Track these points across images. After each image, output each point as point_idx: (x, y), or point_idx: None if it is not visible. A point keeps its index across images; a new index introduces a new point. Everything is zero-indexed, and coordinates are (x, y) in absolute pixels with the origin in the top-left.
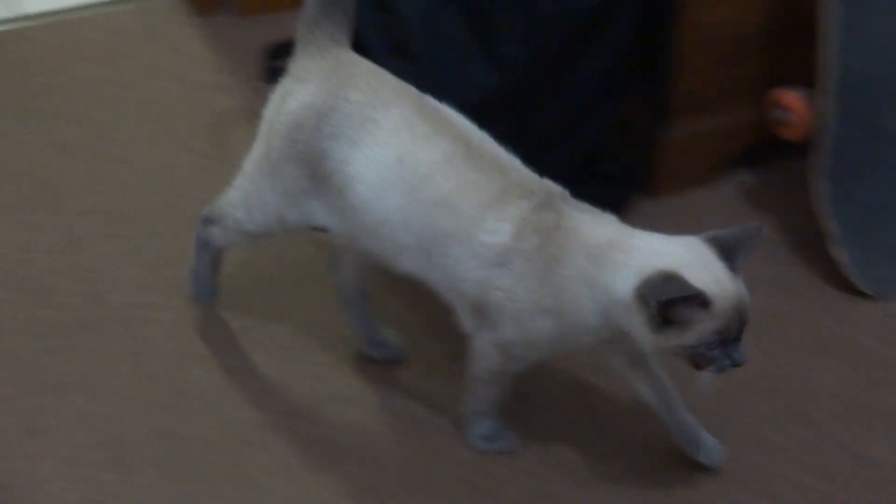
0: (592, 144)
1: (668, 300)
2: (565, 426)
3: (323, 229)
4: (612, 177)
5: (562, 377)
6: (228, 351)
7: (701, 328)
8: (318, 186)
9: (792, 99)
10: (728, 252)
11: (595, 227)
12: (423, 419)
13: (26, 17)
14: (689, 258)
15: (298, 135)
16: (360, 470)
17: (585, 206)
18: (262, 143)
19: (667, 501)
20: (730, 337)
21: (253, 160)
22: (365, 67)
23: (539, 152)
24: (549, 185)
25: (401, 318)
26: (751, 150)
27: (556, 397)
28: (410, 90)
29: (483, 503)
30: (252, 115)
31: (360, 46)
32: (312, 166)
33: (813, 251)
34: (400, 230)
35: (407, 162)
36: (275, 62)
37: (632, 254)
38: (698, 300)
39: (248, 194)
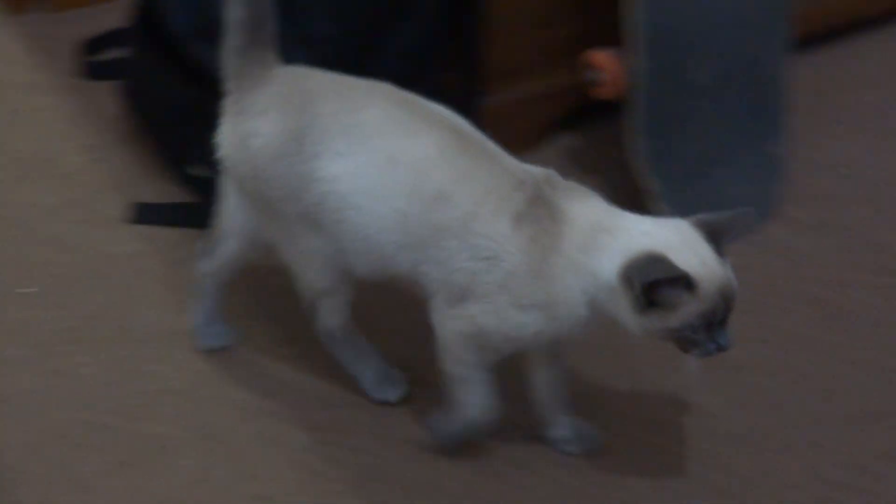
0: None
1: (653, 281)
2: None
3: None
4: None
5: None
6: (52, 352)
7: (686, 311)
8: (315, 218)
9: (603, 59)
10: (716, 236)
11: (583, 211)
12: (255, 406)
13: None
14: (676, 240)
15: (279, 168)
16: (193, 462)
17: (572, 188)
18: (255, 202)
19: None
20: (715, 321)
21: (267, 229)
22: (320, 78)
23: None
24: (535, 171)
25: (232, 306)
26: (571, 112)
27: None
28: (380, 86)
29: (318, 484)
30: (69, 114)
31: (166, 29)
32: (304, 196)
33: (637, 209)
34: (396, 231)
35: (400, 161)
36: (91, 57)
37: (618, 236)
38: (684, 282)
39: (292, 258)
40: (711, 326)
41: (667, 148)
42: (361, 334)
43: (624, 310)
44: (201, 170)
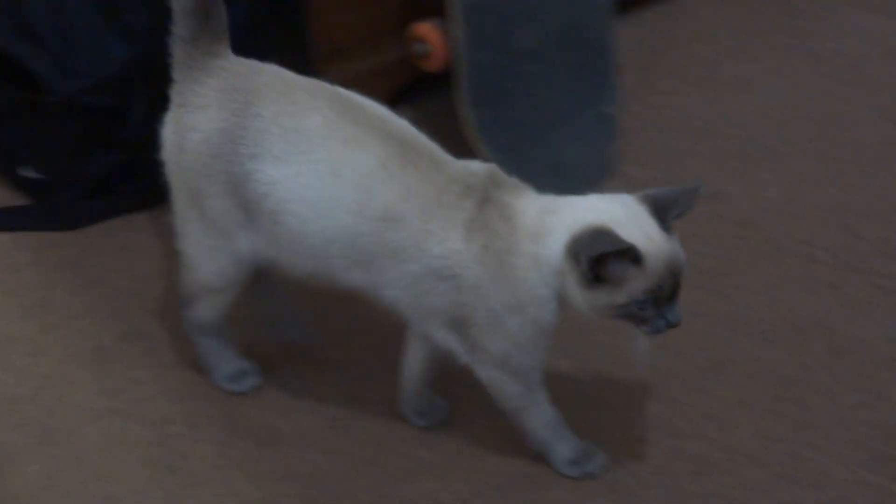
0: None
1: (599, 255)
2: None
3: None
4: None
5: None
6: None
7: (632, 286)
8: (250, 216)
9: (427, 30)
10: (662, 210)
11: (530, 203)
12: (100, 407)
13: None
14: (621, 214)
15: (216, 165)
16: (39, 468)
17: (513, 185)
18: (180, 192)
19: None
20: (663, 296)
21: (180, 215)
22: (268, 74)
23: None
24: (478, 170)
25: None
26: (404, 87)
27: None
28: (324, 87)
29: (168, 479)
30: None
31: None
32: (240, 193)
33: None
34: (348, 247)
35: (344, 174)
36: None
37: (563, 215)
38: (630, 256)
39: (195, 251)
40: (659, 302)
41: (497, 115)
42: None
43: (572, 287)
44: (32, 172)
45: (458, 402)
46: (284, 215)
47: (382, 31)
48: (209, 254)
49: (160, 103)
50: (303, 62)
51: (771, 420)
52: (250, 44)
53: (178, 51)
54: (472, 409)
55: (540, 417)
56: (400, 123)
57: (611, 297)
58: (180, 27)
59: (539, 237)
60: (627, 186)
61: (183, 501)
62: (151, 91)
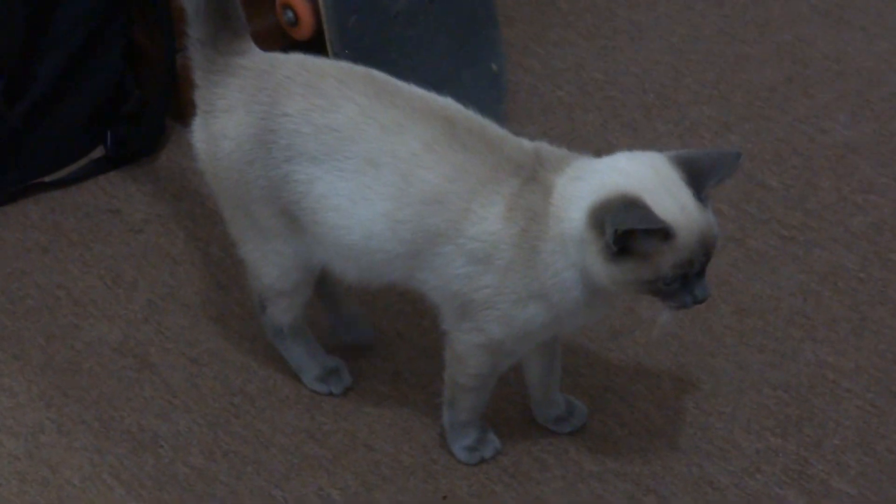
0: (107, 85)
1: (627, 230)
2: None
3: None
4: (136, 115)
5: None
6: None
7: (661, 261)
8: (293, 218)
9: None
10: (698, 176)
11: (564, 176)
12: None
13: None
14: (652, 180)
15: (252, 172)
16: None
17: (558, 158)
18: (223, 199)
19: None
20: (692, 272)
21: (230, 222)
22: (291, 65)
23: (48, 107)
24: (529, 147)
25: None
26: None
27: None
28: (354, 71)
29: None
30: None
31: None
32: (280, 196)
33: None
34: (388, 240)
35: (383, 163)
36: None
37: (588, 179)
38: (662, 233)
39: (254, 258)
40: (688, 277)
41: None
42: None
43: (592, 258)
44: None
45: (349, 393)
46: (324, 212)
47: (253, 1)
48: (268, 259)
49: (14, 92)
50: (169, 39)
51: (675, 390)
52: (108, 20)
53: (196, 54)
54: (361, 398)
55: (476, 401)
56: (444, 102)
57: (636, 273)
58: (196, 29)
59: (564, 210)
60: None
61: None
62: (3, 79)
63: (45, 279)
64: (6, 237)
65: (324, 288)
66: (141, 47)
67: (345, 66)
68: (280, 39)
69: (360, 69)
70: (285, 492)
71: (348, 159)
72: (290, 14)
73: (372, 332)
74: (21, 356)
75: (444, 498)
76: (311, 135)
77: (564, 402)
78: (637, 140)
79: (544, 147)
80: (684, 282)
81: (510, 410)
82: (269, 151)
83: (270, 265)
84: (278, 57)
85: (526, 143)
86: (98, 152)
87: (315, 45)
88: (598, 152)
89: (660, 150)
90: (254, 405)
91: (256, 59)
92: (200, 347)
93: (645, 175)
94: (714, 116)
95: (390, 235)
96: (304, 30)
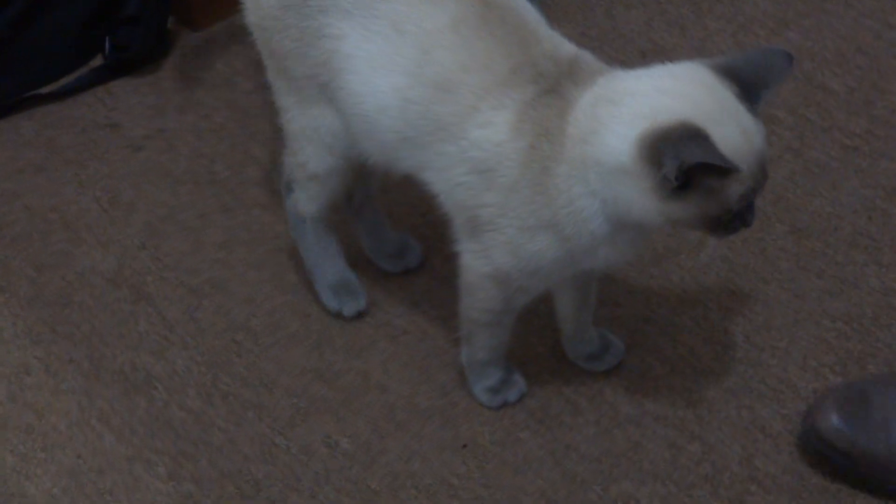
0: None
1: (694, 165)
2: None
3: None
4: (136, 18)
5: None
6: None
7: (726, 195)
8: (323, 81)
9: None
10: (750, 88)
11: (591, 92)
12: None
13: None
14: (708, 103)
15: (288, 19)
16: None
17: (592, 73)
18: (267, 59)
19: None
20: (753, 199)
21: (274, 87)
22: None
23: (38, 12)
24: (563, 55)
25: None
26: None
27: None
28: None
29: None
30: None
31: None
32: (312, 53)
33: None
34: (398, 119)
35: (407, 30)
36: None
37: (626, 102)
38: (728, 170)
39: (291, 129)
40: (748, 205)
41: None
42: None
43: (639, 193)
44: None
45: (362, 323)
46: (346, 75)
47: None
48: (306, 133)
49: None
50: None
51: (723, 322)
52: None
53: None
54: (375, 333)
55: (492, 340)
56: None
57: (698, 209)
58: None
59: (591, 134)
60: None
61: (38, 467)
62: None
63: (36, 202)
64: None
65: (364, 209)
66: None
67: None
68: None
69: None
70: (289, 439)
71: (377, 19)
72: None
73: (420, 254)
74: (7, 288)
75: (464, 447)
76: None
77: (599, 337)
78: (685, 40)
79: (585, 58)
80: (742, 210)
81: (538, 346)
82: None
83: (307, 140)
84: None
85: (565, 50)
86: (97, 61)
87: None
88: (644, 54)
89: (711, 52)
90: (257, 342)
91: None
92: (201, 277)
93: (699, 97)
94: (770, 12)
95: (400, 114)
96: None
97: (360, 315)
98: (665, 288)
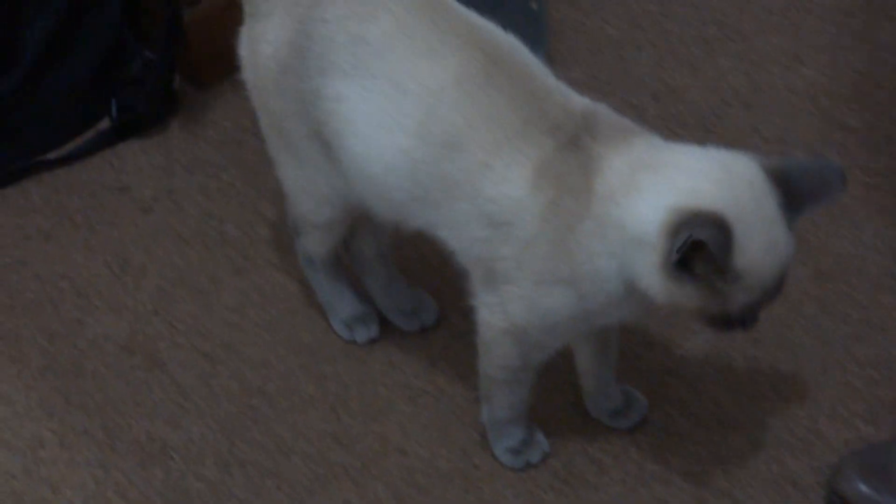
0: (106, 46)
1: (698, 242)
2: None
3: None
4: (141, 79)
5: None
6: None
7: (727, 298)
8: (323, 142)
9: None
10: (794, 198)
11: (623, 153)
12: None
13: None
14: (747, 202)
15: (286, 82)
16: None
17: (614, 130)
18: (263, 116)
19: None
20: (758, 310)
21: (269, 142)
22: None
23: (42, 76)
24: (576, 107)
25: None
26: None
27: None
28: None
29: None
30: None
31: None
32: (311, 115)
33: None
34: (406, 179)
35: (409, 90)
36: None
37: (671, 173)
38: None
39: (289, 184)
40: (751, 314)
41: None
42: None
43: (650, 265)
44: None
45: (377, 385)
46: (347, 137)
47: None
48: (303, 187)
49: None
50: None
51: (749, 372)
52: None
53: None
54: (392, 394)
55: (512, 398)
56: (495, 34)
57: (699, 300)
58: None
59: (622, 196)
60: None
61: None
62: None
63: (46, 269)
64: (5, 223)
65: (376, 267)
66: (140, 1)
67: None
68: None
69: None
70: None
71: (375, 78)
72: None
73: (436, 310)
74: (20, 358)
75: None
76: (345, 45)
77: (622, 393)
78: (697, 80)
79: (601, 111)
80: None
81: (560, 403)
82: (304, 59)
83: (305, 194)
84: None
85: (576, 102)
86: (104, 124)
87: None
88: (657, 97)
89: (724, 91)
90: (273, 407)
91: None
92: (214, 341)
93: (741, 194)
94: (783, 47)
95: (408, 175)
96: None
97: (372, 342)
98: (686, 338)
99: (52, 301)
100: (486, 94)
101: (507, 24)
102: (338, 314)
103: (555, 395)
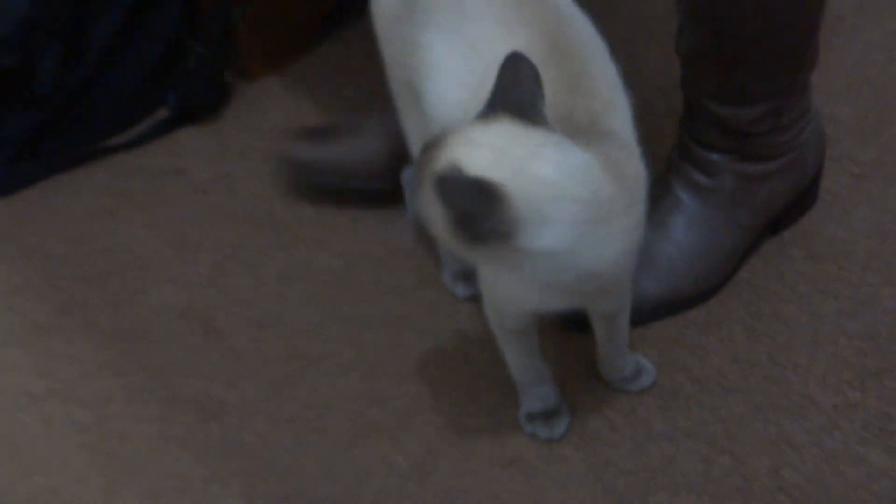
0: (165, 42)
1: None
2: None
3: None
4: (196, 72)
5: None
6: None
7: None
8: (414, 91)
9: None
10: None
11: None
12: (39, 390)
13: None
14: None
15: (394, 31)
16: None
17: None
18: (385, 58)
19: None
20: None
21: (392, 87)
22: None
23: (107, 69)
24: (608, 128)
25: None
26: (331, 17)
27: None
28: None
29: (107, 464)
30: None
31: None
32: (407, 63)
33: None
34: None
35: (480, 50)
36: None
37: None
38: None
39: (405, 131)
40: None
41: None
42: None
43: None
44: None
45: (411, 350)
46: (429, 82)
47: None
48: (408, 136)
49: (71, 56)
50: None
51: (748, 342)
52: None
53: None
54: (424, 359)
55: (511, 358)
56: (572, 22)
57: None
58: None
59: None
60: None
61: (123, 489)
62: (60, 44)
63: (112, 244)
64: (74, 202)
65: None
66: (197, 2)
67: None
68: None
69: None
70: (348, 459)
71: (459, 36)
72: None
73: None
74: (90, 324)
75: (511, 463)
76: (446, 5)
77: (632, 363)
78: None
79: (616, 145)
80: None
81: (576, 368)
82: (412, 12)
83: (409, 137)
84: None
85: (607, 120)
86: (162, 113)
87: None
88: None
89: None
90: (317, 369)
91: None
92: (263, 310)
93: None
94: None
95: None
96: None
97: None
98: (692, 310)
99: (117, 273)
100: None
101: None
102: (449, 268)
103: (571, 361)
